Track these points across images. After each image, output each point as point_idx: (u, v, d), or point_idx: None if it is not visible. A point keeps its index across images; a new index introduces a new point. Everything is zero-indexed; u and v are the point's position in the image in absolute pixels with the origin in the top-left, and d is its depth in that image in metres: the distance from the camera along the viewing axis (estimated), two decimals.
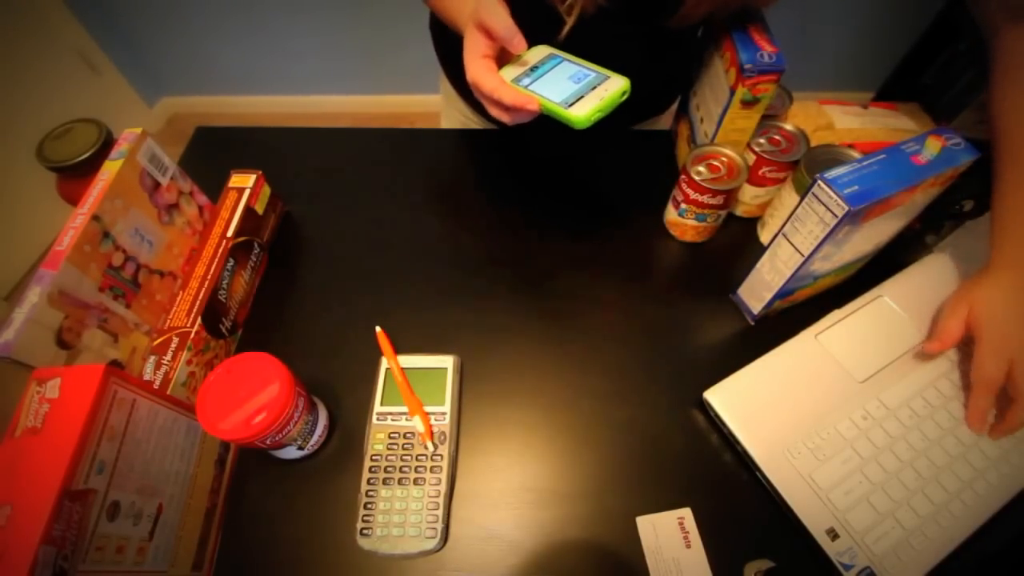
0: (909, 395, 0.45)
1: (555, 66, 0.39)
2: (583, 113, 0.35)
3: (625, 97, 0.36)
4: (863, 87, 1.74)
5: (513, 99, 0.37)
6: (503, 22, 0.37)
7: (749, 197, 0.56)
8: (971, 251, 0.53)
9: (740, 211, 0.59)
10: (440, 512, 0.41)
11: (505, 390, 0.48)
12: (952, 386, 0.45)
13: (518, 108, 0.37)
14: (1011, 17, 0.43)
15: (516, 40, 0.37)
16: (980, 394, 0.41)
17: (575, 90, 0.36)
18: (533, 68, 0.39)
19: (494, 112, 0.39)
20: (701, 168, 0.52)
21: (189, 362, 0.43)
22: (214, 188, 0.54)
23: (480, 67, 0.38)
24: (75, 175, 0.48)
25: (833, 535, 0.39)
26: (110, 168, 0.43)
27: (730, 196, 0.52)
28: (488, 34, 0.38)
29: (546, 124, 0.67)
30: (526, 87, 0.38)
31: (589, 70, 0.38)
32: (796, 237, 0.43)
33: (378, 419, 0.45)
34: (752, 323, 0.52)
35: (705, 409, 0.46)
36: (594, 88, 0.36)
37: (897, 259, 0.53)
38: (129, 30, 1.62)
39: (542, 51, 0.41)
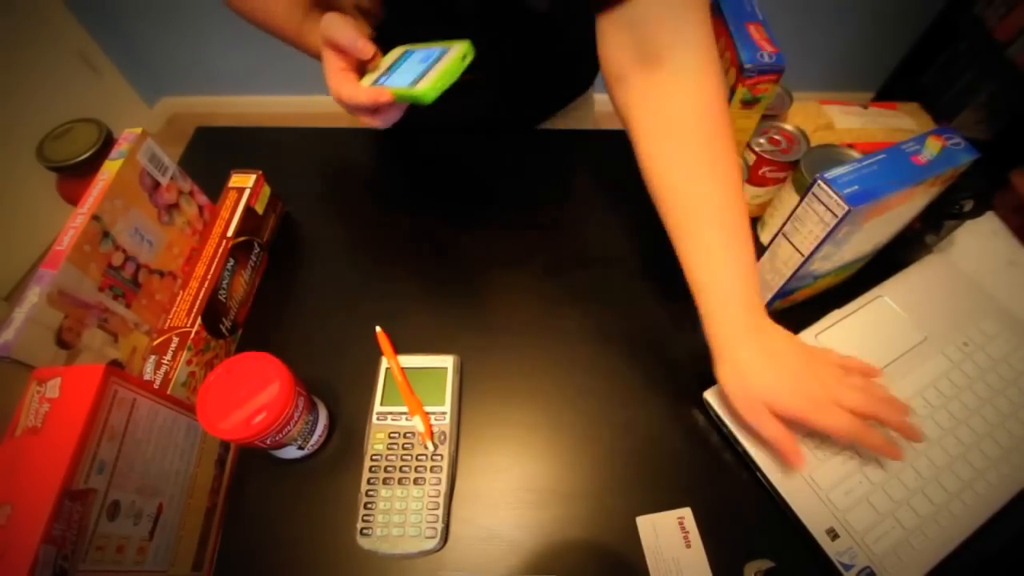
0: (909, 395, 0.44)
1: (408, 58, 0.39)
2: (425, 86, 0.35)
3: (467, 60, 0.36)
4: (863, 87, 1.74)
5: (367, 97, 0.37)
6: (342, 30, 0.38)
7: (749, 197, 0.56)
8: (971, 251, 0.53)
9: None
10: (440, 512, 0.41)
11: (505, 390, 0.48)
12: (952, 386, 0.45)
13: (375, 104, 0.37)
14: (641, 62, 0.40)
15: (360, 44, 0.38)
16: (871, 437, 0.38)
17: (422, 70, 0.36)
18: (389, 68, 0.40)
19: (365, 120, 0.40)
20: None
21: (189, 362, 0.43)
22: (214, 188, 0.54)
23: (338, 79, 0.39)
24: (75, 175, 0.48)
25: (833, 535, 0.39)
26: (110, 168, 0.43)
27: None
28: (337, 48, 0.39)
29: (535, 119, 0.67)
30: (381, 84, 0.38)
31: (434, 48, 0.38)
32: (796, 237, 0.43)
33: (378, 419, 0.45)
34: None
35: (705, 409, 0.46)
36: (438, 62, 0.36)
37: (897, 259, 0.53)
38: (130, 31, 1.62)
39: (397, 52, 0.41)
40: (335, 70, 0.39)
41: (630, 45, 0.40)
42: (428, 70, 0.36)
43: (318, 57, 0.46)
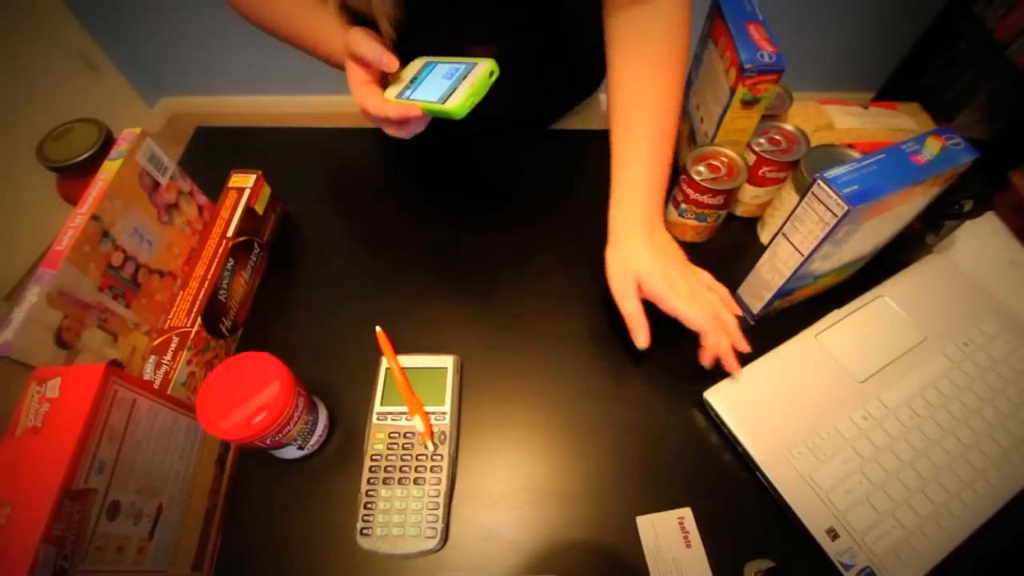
0: (909, 395, 0.45)
1: (431, 71, 0.41)
2: (457, 103, 0.36)
3: (494, 77, 0.37)
4: (863, 87, 1.74)
5: (396, 111, 0.39)
6: (368, 46, 0.39)
7: (749, 197, 0.56)
8: (971, 251, 0.53)
9: (740, 211, 0.59)
10: (440, 512, 0.41)
11: (505, 390, 0.48)
12: (952, 386, 0.45)
13: (403, 118, 0.39)
14: None
15: (386, 59, 0.39)
16: (715, 334, 0.43)
17: (449, 85, 0.38)
18: (413, 80, 0.41)
19: (390, 131, 0.41)
20: (701, 168, 0.52)
21: (189, 362, 0.43)
22: (214, 188, 0.54)
23: (364, 92, 0.41)
24: (75, 175, 0.48)
25: (833, 535, 0.39)
26: (109, 168, 0.43)
27: (730, 196, 0.52)
28: (362, 62, 0.40)
29: (544, 120, 0.67)
30: (407, 98, 0.40)
31: (459, 63, 0.39)
32: (796, 237, 0.43)
33: (378, 419, 0.45)
34: (752, 323, 0.52)
35: (705, 409, 0.46)
36: (465, 78, 0.38)
37: (897, 259, 0.53)
38: (129, 30, 1.62)
39: (418, 63, 0.43)
40: (360, 83, 0.41)
41: None
42: (456, 86, 0.37)
43: (331, 63, 0.48)
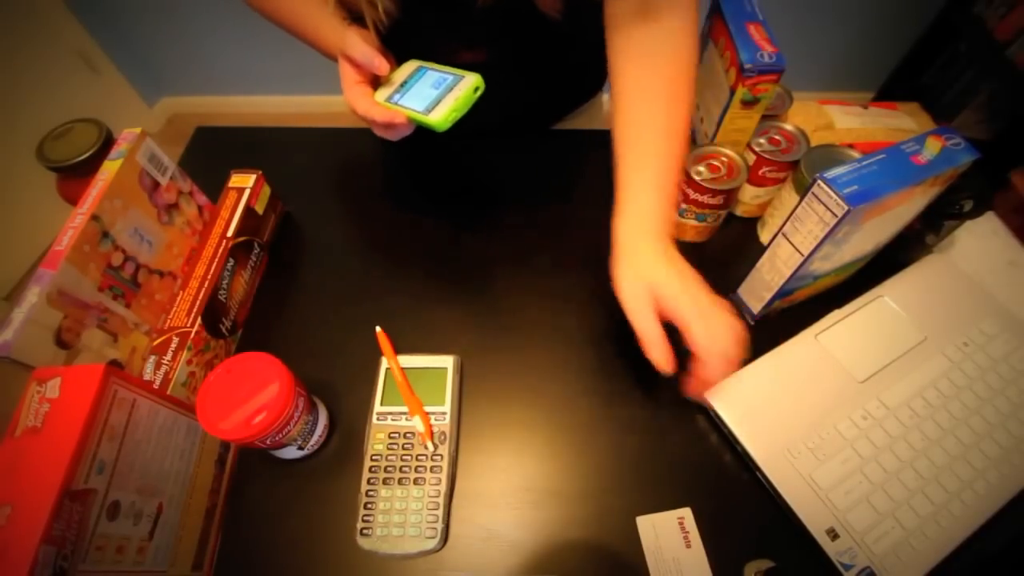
0: (909, 395, 0.45)
1: (420, 77, 0.42)
2: (440, 116, 0.37)
3: (479, 93, 0.38)
4: (863, 87, 1.74)
5: (382, 116, 0.39)
6: (360, 49, 0.40)
7: (749, 197, 0.56)
8: (971, 251, 0.53)
9: (740, 211, 0.59)
10: (440, 512, 0.41)
11: (505, 390, 0.48)
12: (952, 386, 0.45)
13: (389, 123, 0.39)
14: (640, 14, 0.44)
15: (377, 62, 0.40)
16: (718, 371, 0.37)
17: (435, 96, 0.39)
18: (403, 84, 0.42)
19: (377, 132, 0.42)
20: (701, 168, 0.52)
21: (189, 362, 0.43)
22: (214, 188, 0.54)
23: (354, 93, 0.41)
24: (75, 175, 0.48)
25: (833, 535, 0.39)
26: (109, 168, 0.43)
27: (730, 196, 0.52)
28: (354, 63, 0.41)
29: (544, 124, 0.67)
30: (396, 103, 0.40)
31: (447, 74, 0.40)
32: (796, 237, 0.43)
33: (378, 419, 0.45)
34: (752, 323, 0.52)
35: (705, 409, 0.46)
36: (451, 90, 0.38)
37: (897, 259, 0.53)
38: (129, 30, 1.62)
39: (410, 67, 0.44)
40: (351, 83, 0.42)
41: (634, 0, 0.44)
42: (442, 97, 0.38)
43: (328, 56, 0.48)
